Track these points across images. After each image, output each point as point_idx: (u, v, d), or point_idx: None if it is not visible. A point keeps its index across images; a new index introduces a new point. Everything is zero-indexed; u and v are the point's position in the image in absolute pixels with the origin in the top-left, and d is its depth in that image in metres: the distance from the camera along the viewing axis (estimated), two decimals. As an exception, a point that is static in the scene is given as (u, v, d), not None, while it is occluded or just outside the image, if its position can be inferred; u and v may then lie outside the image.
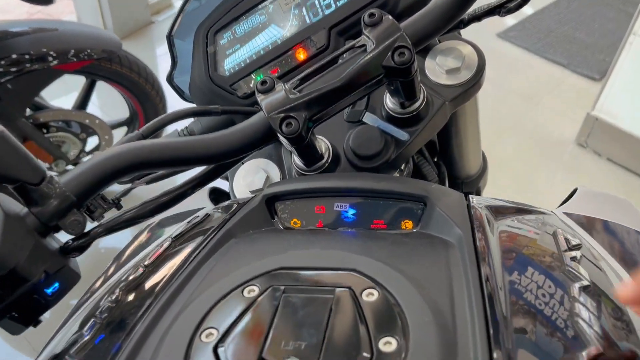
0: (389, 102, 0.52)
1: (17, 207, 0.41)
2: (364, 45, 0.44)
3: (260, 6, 0.59)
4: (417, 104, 0.51)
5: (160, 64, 2.59)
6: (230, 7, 0.59)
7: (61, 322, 0.51)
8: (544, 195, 1.92)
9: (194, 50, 0.60)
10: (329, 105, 0.44)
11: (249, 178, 0.58)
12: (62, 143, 1.70)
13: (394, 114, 0.52)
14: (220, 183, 0.65)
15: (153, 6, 2.89)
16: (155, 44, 2.79)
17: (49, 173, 0.40)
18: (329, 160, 0.51)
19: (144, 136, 0.49)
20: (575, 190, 0.59)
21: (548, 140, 2.15)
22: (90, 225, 0.45)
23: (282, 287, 0.33)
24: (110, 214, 0.47)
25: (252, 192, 0.57)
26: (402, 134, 0.52)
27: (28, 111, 1.62)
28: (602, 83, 1.98)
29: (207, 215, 0.49)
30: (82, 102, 1.75)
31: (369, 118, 0.54)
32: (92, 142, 1.78)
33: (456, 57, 0.54)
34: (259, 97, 0.44)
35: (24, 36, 1.46)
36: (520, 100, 2.34)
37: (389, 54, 0.42)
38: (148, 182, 0.52)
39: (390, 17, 0.43)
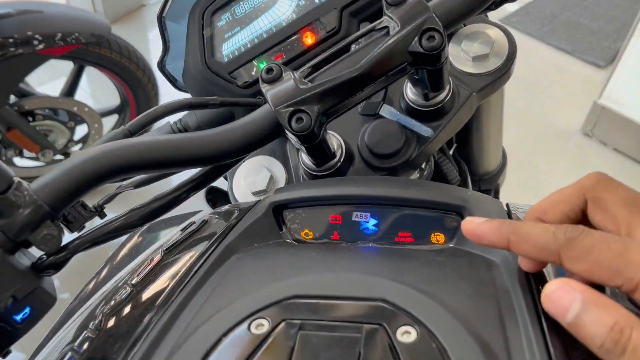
0: (410, 92, 0.46)
1: None
2: (386, 27, 0.38)
3: None
4: (442, 96, 0.45)
5: (152, 49, 2.50)
6: None
7: (51, 328, 0.46)
8: (547, 187, 1.87)
9: (188, 33, 0.54)
10: (346, 98, 0.38)
11: (251, 178, 0.52)
12: (49, 132, 1.64)
13: (415, 107, 0.46)
14: (219, 181, 0.59)
15: (145, -12, 2.80)
16: (147, 28, 2.70)
17: (16, 179, 0.34)
18: (342, 159, 0.46)
19: (131, 133, 0.42)
20: None
21: (552, 130, 2.10)
22: (69, 237, 0.39)
23: (298, 322, 0.27)
24: (92, 224, 0.41)
25: (254, 193, 0.51)
26: (424, 129, 0.46)
27: (12, 98, 1.56)
28: (608, 71, 1.92)
29: (204, 222, 0.43)
30: (70, 88, 1.68)
31: (386, 111, 0.48)
32: (81, 130, 1.72)
33: (484, 43, 0.48)
34: (264, 88, 0.38)
35: (7, 18, 1.39)
36: (524, 88, 2.28)
37: (417, 38, 0.36)
38: (137, 186, 0.45)
39: None
